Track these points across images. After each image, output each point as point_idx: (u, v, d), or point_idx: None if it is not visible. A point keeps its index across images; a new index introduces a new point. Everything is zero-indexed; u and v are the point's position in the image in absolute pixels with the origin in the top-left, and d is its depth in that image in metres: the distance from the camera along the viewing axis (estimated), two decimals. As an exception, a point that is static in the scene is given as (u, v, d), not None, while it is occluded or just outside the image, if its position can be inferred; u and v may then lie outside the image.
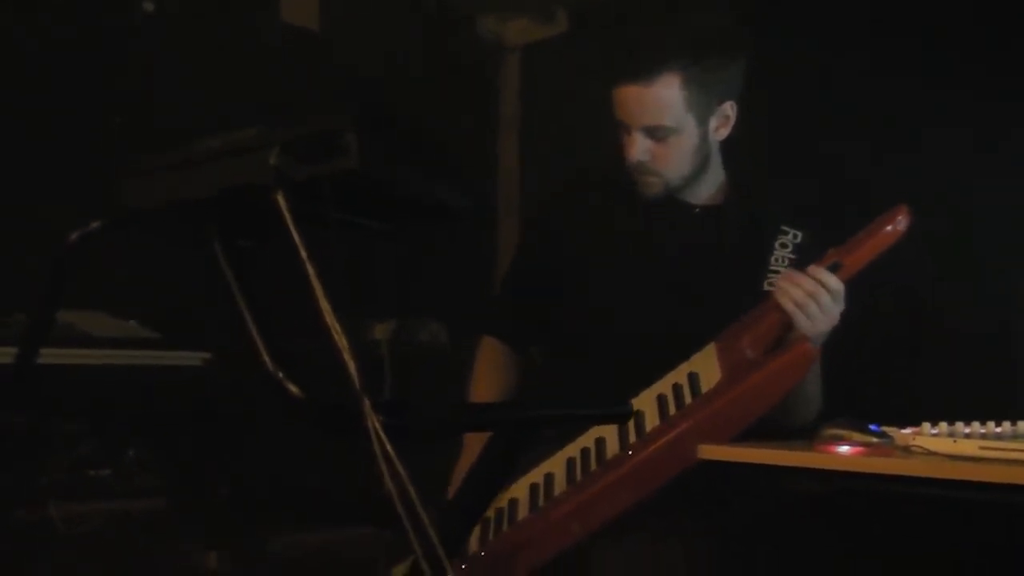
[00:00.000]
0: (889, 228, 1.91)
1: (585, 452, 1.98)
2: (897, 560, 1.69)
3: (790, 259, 2.16)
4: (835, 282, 1.89)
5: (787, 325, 1.95)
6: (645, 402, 1.98)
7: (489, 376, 2.35)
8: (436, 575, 1.34)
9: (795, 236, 2.19)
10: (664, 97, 2.10)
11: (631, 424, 1.94)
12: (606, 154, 2.30)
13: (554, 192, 2.48)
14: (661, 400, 1.97)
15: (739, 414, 1.84)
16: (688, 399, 1.93)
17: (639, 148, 2.14)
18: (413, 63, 3.93)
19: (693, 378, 1.97)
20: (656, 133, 2.13)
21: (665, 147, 2.14)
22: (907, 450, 1.55)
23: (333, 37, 3.85)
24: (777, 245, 2.18)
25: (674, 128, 2.12)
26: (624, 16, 3.62)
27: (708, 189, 2.25)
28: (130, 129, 3.05)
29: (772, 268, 2.16)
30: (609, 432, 1.97)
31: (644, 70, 2.10)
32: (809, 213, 2.26)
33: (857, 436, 1.58)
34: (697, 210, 2.24)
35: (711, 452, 1.67)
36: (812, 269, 1.90)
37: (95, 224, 1.53)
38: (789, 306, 1.89)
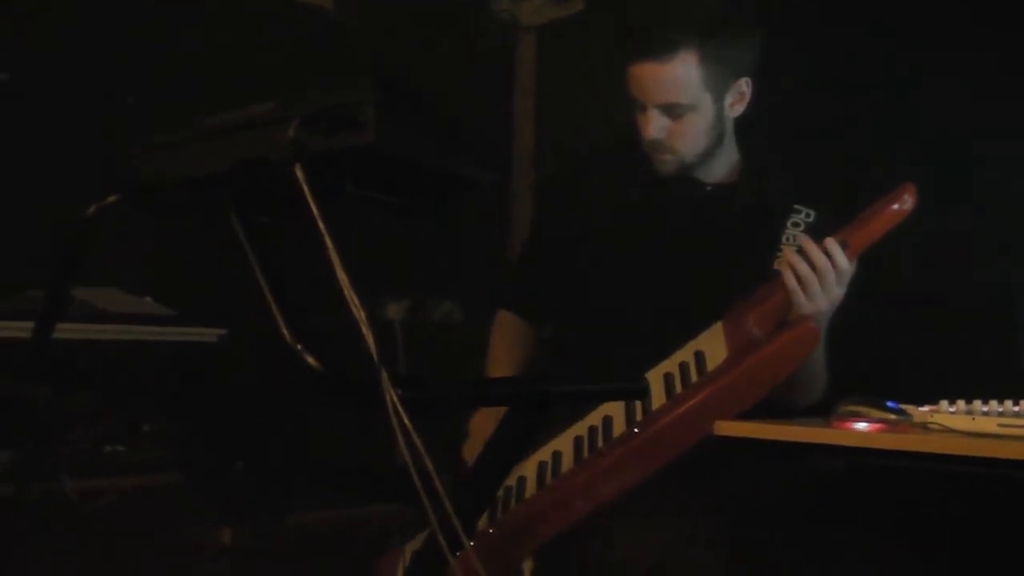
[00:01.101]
0: (895, 207, 1.90)
1: (592, 430, 1.98)
2: (914, 536, 1.69)
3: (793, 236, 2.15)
4: (845, 261, 1.88)
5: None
6: (652, 381, 1.97)
7: (505, 350, 2.35)
8: (452, 548, 1.34)
9: (807, 215, 2.18)
10: (681, 74, 2.08)
11: (638, 403, 1.95)
12: (620, 132, 2.30)
13: (565, 167, 2.46)
14: (668, 379, 1.96)
15: (744, 391, 1.83)
16: (694, 378, 1.93)
17: (655, 126, 2.12)
18: (427, 43, 3.92)
19: (699, 357, 1.97)
20: (672, 111, 2.11)
21: (681, 124, 2.12)
22: (925, 427, 1.54)
23: (346, 16, 3.84)
24: (789, 224, 2.17)
25: (691, 105, 2.10)
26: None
27: (722, 167, 2.24)
28: (143, 107, 3.06)
29: (783, 247, 2.15)
30: (616, 411, 1.97)
31: (661, 47, 2.07)
32: (822, 192, 2.25)
33: (875, 413, 1.57)
34: (709, 188, 2.23)
35: (728, 428, 1.67)
36: (828, 242, 1.88)
37: (112, 198, 1.53)
38: (791, 283, 1.88)
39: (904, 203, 1.90)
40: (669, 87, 2.09)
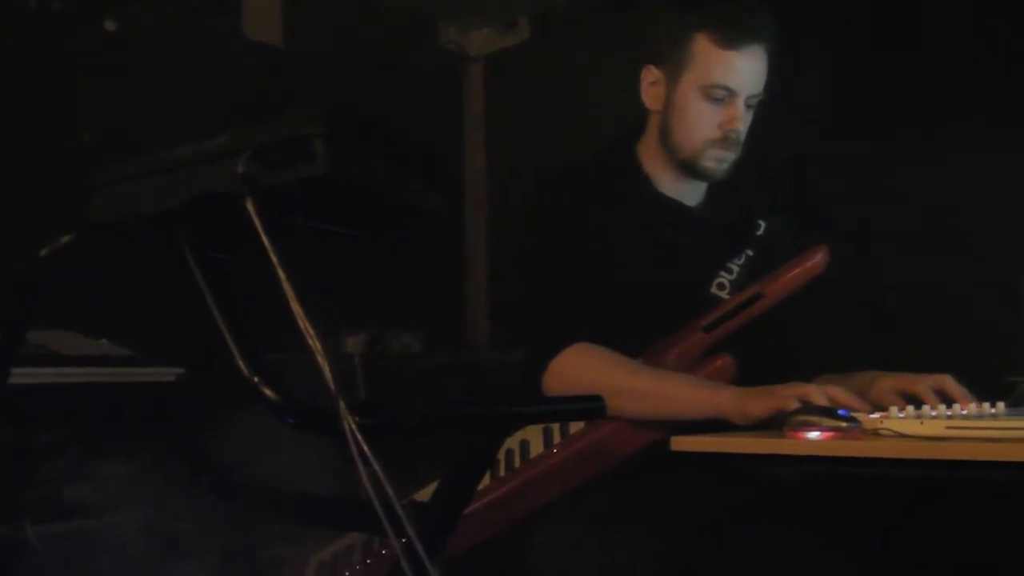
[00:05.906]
0: (809, 264, 2.02)
1: (509, 453, 2.01)
2: (870, 540, 1.72)
3: (747, 255, 2.17)
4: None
5: (711, 346, 1.99)
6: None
7: (600, 352, 2.00)
8: (417, 574, 1.35)
9: (758, 226, 2.21)
10: (766, 68, 2.06)
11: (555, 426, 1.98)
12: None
13: (555, 182, 2.19)
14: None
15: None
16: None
17: (744, 117, 2.06)
18: (376, 77, 3.95)
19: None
20: (751, 103, 2.06)
21: (748, 120, 2.08)
22: (876, 433, 1.57)
23: (296, 52, 3.86)
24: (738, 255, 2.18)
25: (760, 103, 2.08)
26: (584, 22, 3.66)
27: (701, 191, 2.20)
28: (96, 144, 3.05)
29: (727, 266, 2.16)
30: (534, 434, 2.00)
31: (763, 35, 2.03)
32: (779, 205, 2.27)
33: (826, 421, 1.60)
34: (690, 212, 2.19)
35: (682, 443, 1.69)
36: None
37: (65, 239, 1.53)
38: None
39: (818, 261, 2.03)
40: (760, 77, 2.05)
